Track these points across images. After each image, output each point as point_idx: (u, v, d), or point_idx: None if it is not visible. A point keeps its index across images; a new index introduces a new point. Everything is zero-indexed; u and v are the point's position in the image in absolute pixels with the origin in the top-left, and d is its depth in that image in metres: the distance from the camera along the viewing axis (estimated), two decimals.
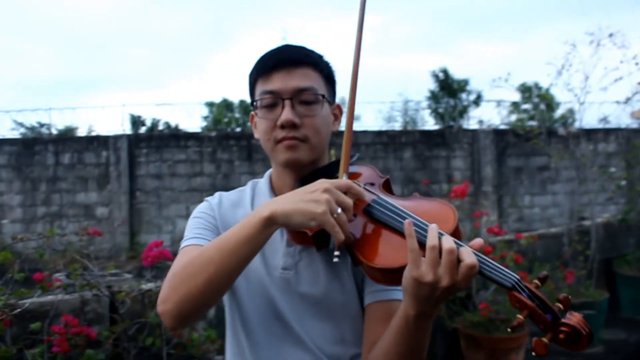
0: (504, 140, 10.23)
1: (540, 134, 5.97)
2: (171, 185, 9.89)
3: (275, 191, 1.31)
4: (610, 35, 5.15)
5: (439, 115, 16.32)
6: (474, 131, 10.52)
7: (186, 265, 1.09)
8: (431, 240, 0.94)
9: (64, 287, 2.80)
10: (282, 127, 1.20)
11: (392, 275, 1.01)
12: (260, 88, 1.23)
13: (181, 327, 1.20)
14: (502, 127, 11.26)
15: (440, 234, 0.96)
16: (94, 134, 11.32)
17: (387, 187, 1.22)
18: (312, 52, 1.27)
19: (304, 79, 1.22)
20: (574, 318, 0.89)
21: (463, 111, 16.30)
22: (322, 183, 1.04)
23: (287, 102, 1.20)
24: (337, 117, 1.34)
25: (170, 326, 1.12)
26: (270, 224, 1.03)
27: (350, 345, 1.23)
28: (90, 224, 9.12)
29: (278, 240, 1.25)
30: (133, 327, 2.92)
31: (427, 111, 17.07)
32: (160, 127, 16.67)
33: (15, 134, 12.52)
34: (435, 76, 17.46)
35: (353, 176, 1.24)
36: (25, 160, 10.04)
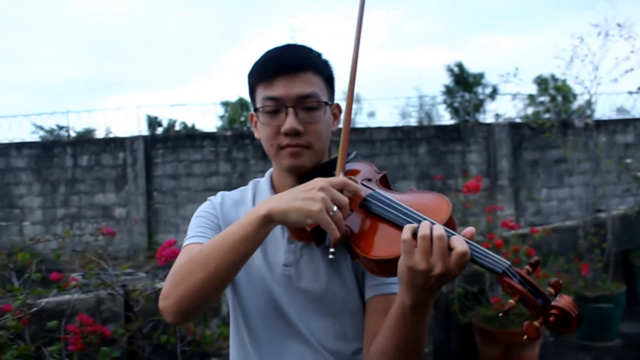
0: (519, 133, 10.15)
1: (552, 127, 5.92)
2: (187, 185, 9.99)
3: (276, 190, 1.33)
4: (619, 25, 5.08)
5: (454, 110, 16.23)
6: (489, 125, 10.45)
7: (186, 262, 1.12)
8: (422, 229, 0.97)
9: (80, 286, 2.86)
10: (286, 134, 1.22)
11: (388, 266, 1.03)
12: (262, 93, 1.24)
13: (182, 323, 1.23)
14: (518, 120, 11.17)
15: (432, 224, 0.98)
16: (111, 135, 11.45)
17: (384, 183, 1.25)
18: (312, 54, 1.27)
19: (307, 85, 1.22)
20: (562, 300, 0.91)
21: (479, 105, 16.20)
22: (318, 181, 1.06)
23: (291, 110, 1.21)
24: (336, 117, 1.35)
25: (171, 321, 1.15)
26: (267, 221, 1.06)
27: (352, 340, 1.25)
28: (108, 224, 9.25)
29: (279, 237, 1.27)
30: (147, 325, 2.97)
31: (443, 106, 16.99)
32: (177, 127, 16.82)
33: (35, 137, 12.72)
34: (450, 70, 17.36)
35: (351, 173, 1.26)
36: (45, 163, 10.21)
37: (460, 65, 17.10)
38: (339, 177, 1.13)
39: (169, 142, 10.31)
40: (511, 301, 0.92)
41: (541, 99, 15.59)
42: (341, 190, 1.08)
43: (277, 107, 1.22)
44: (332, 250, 1.07)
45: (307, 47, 1.29)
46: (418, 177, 10.09)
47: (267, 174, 1.38)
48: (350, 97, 1.23)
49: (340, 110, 1.37)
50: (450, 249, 0.95)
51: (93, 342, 2.54)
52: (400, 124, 12.06)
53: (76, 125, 16.70)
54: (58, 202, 10.15)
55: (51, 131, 13.87)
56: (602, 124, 8.01)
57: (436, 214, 1.04)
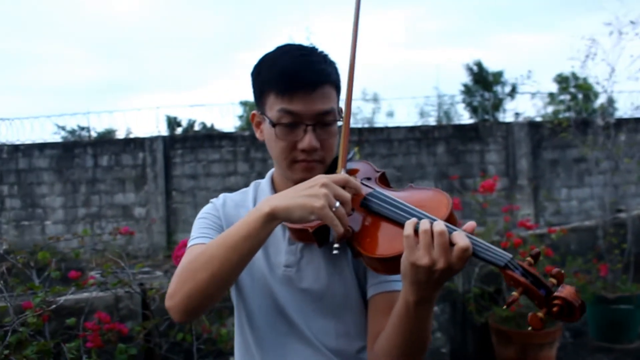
0: (539, 132, 10.05)
1: (569, 126, 5.85)
2: (206, 185, 10.07)
3: (276, 191, 1.33)
4: (632, 22, 5.00)
5: (473, 109, 16.12)
6: (508, 124, 10.37)
7: (191, 261, 1.14)
8: (423, 225, 0.98)
9: (98, 284, 2.92)
10: (303, 150, 1.21)
11: (391, 264, 1.05)
12: (278, 104, 1.21)
13: (188, 321, 1.24)
14: (538, 119, 11.07)
15: (433, 220, 1.00)
16: (131, 136, 11.60)
17: (383, 181, 1.26)
18: (330, 66, 1.26)
19: (325, 100, 1.22)
20: (565, 290, 0.91)
21: (498, 104, 16.07)
22: (320, 178, 1.07)
23: (310, 128, 1.20)
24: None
25: (178, 320, 1.17)
26: (271, 219, 1.07)
27: (355, 339, 1.26)
28: (128, 224, 9.37)
29: (280, 238, 1.29)
30: (164, 323, 3.02)
31: (462, 105, 16.89)
32: (196, 127, 16.96)
33: (56, 138, 12.93)
34: (470, 69, 17.24)
35: (350, 172, 1.27)
36: (66, 163, 10.37)
37: (479, 64, 17.00)
38: (341, 174, 1.13)
39: (187, 142, 10.41)
40: (514, 293, 0.93)
41: (562, 97, 15.42)
42: (343, 187, 1.09)
43: (294, 121, 1.20)
44: (336, 245, 1.08)
45: (321, 55, 1.27)
46: (436, 176, 10.05)
47: (268, 175, 1.39)
48: (349, 96, 1.23)
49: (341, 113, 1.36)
50: (452, 244, 0.96)
51: (110, 339, 2.59)
52: (419, 124, 12.03)
53: (97, 126, 16.96)
54: (79, 201, 10.31)
55: (72, 132, 14.09)
56: (622, 123, 7.89)
57: (436, 210, 1.05)
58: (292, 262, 1.27)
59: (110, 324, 2.60)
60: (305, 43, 1.31)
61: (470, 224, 1.01)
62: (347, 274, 1.24)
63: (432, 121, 14.80)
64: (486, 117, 14.18)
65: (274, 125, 1.22)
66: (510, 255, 0.96)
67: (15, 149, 10.50)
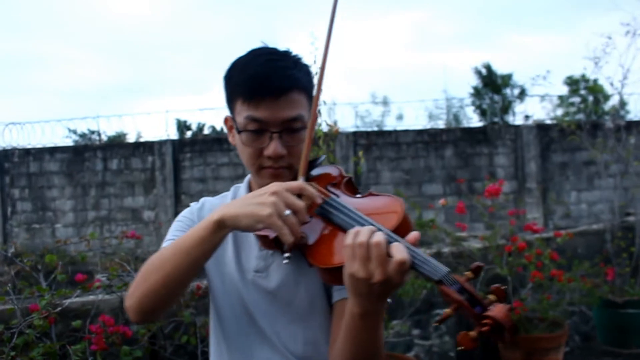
0: (548, 135, 10.00)
1: (578, 129, 5.82)
2: (215, 188, 10.12)
3: None
4: None
5: (482, 112, 16.08)
6: (517, 127, 10.33)
7: (148, 264, 1.15)
8: (360, 236, 0.95)
9: (104, 287, 2.95)
10: (269, 158, 1.21)
11: (337, 274, 1.01)
12: (245, 111, 1.20)
13: (144, 322, 1.23)
14: (548, 122, 11.01)
15: (377, 230, 0.97)
16: (141, 140, 11.69)
17: (349, 187, 1.23)
18: (300, 71, 1.23)
19: (293, 107, 1.20)
20: (496, 309, 0.88)
21: (507, 107, 16.01)
22: (273, 186, 1.05)
23: (276, 135, 1.19)
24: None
25: (134, 320, 1.18)
26: (220, 227, 1.06)
27: (323, 346, 1.24)
28: (137, 227, 9.43)
29: (253, 243, 1.28)
30: (169, 325, 3.04)
31: (471, 108, 16.84)
32: (206, 131, 17.04)
33: (67, 142, 13.04)
34: (478, 72, 17.20)
35: (318, 177, 1.25)
36: (76, 166, 10.47)
37: (488, 67, 16.94)
38: (296, 182, 1.10)
39: (196, 145, 10.47)
40: (447, 310, 0.91)
41: (572, 99, 15.33)
42: (299, 195, 1.06)
43: (260, 128, 1.19)
44: (286, 255, 1.06)
45: (292, 60, 1.24)
46: (444, 180, 10.03)
47: (246, 179, 1.38)
48: (316, 103, 1.22)
49: (315, 118, 1.33)
50: (389, 256, 0.93)
51: (115, 342, 2.61)
52: (428, 126, 12.01)
53: (107, 130, 17.09)
54: (89, 205, 10.40)
55: (83, 135, 14.21)
56: (633, 125, 7.83)
57: (386, 219, 1.03)
58: (261, 267, 1.27)
59: (115, 326, 2.62)
60: (282, 48, 1.27)
61: (414, 234, 0.99)
62: (315, 280, 1.22)
63: (441, 124, 14.78)
64: (495, 119, 14.14)
65: (239, 131, 1.22)
66: (447, 270, 0.93)
67: (26, 152, 10.62)
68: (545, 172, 10.00)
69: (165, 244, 1.29)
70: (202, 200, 1.42)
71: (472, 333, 0.89)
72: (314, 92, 1.25)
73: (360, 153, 4.50)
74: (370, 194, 1.17)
